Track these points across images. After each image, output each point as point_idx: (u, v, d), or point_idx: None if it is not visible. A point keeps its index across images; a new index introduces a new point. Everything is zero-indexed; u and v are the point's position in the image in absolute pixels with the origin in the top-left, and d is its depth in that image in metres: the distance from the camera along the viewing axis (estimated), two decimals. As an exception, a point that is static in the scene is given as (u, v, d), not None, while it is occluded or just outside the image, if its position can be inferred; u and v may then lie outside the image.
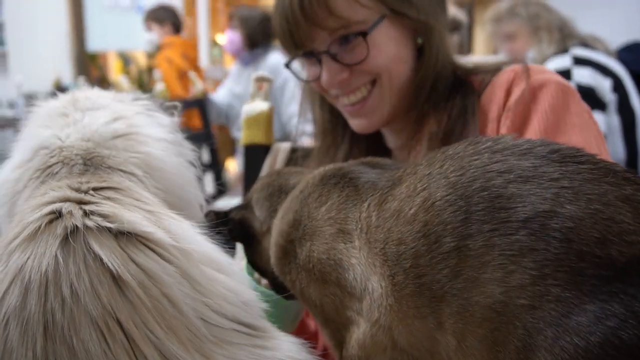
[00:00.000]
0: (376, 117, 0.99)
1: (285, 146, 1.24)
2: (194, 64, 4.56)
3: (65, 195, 0.63)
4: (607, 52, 2.44)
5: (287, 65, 1.01)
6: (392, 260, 0.57)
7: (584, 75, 2.29)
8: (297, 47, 0.96)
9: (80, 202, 0.62)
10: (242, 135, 1.26)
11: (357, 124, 1.01)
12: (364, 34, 0.92)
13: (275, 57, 3.51)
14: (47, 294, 0.55)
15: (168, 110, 0.87)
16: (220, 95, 3.79)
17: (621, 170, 0.50)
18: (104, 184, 0.66)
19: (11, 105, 5.50)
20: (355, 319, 0.63)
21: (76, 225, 0.58)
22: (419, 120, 0.98)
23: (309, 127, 3.59)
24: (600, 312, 0.43)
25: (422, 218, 0.55)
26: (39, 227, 0.59)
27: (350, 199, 0.66)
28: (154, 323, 0.56)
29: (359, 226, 0.63)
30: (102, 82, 6.22)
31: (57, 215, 0.60)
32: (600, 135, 0.90)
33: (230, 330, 0.60)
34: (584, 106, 0.90)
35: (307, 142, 3.38)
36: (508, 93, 0.91)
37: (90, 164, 0.70)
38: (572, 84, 2.26)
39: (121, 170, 0.71)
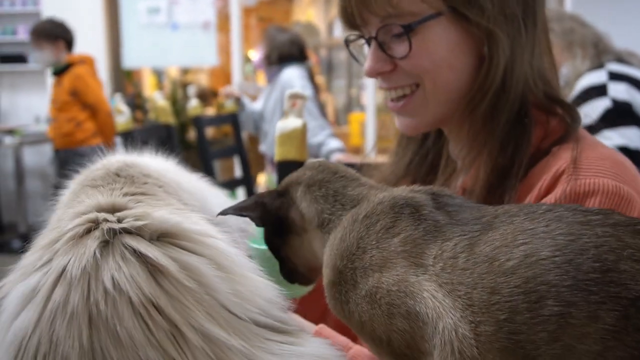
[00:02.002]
0: (418, 120, 0.92)
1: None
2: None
3: (98, 202, 0.67)
4: None
5: (346, 44, 0.96)
6: (478, 307, 0.55)
7: (620, 91, 2.27)
8: (351, 26, 0.90)
9: (114, 206, 0.66)
10: (275, 152, 1.27)
11: (399, 123, 0.94)
12: (407, 28, 0.83)
13: (288, 73, 3.58)
14: (89, 287, 0.58)
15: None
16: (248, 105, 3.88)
17: None
18: (134, 190, 0.71)
19: (49, 121, 5.61)
20: (431, 351, 0.60)
21: (112, 228, 0.63)
22: (473, 143, 0.89)
23: (334, 143, 3.60)
24: None
25: (522, 273, 0.53)
26: (78, 233, 0.63)
27: (429, 234, 0.63)
28: (193, 309, 0.58)
29: (439, 264, 0.60)
30: (137, 98, 6.35)
31: (94, 222, 0.64)
32: None
33: (264, 325, 0.63)
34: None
35: (337, 158, 3.38)
36: (549, 188, 0.81)
37: (122, 174, 0.75)
38: (609, 103, 2.24)
39: (149, 180, 0.76)
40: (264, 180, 3.83)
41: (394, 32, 0.85)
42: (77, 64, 4.45)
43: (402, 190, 0.72)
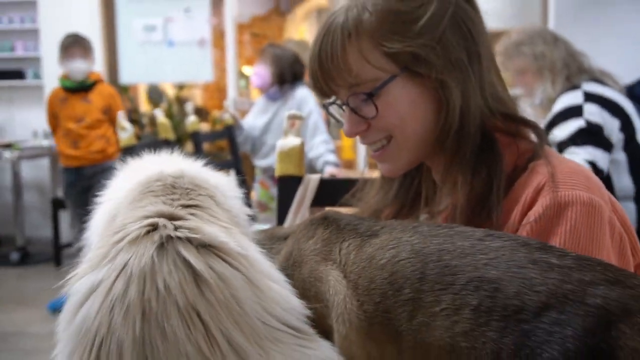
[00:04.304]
0: (395, 165, 1.01)
1: (315, 177, 1.37)
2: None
3: (160, 210, 0.75)
4: (618, 87, 2.48)
5: (325, 107, 1.06)
6: (362, 290, 0.73)
7: (593, 112, 2.32)
8: (323, 95, 1.01)
9: (172, 216, 0.74)
10: (276, 168, 1.39)
11: (381, 167, 1.04)
12: (369, 95, 0.92)
13: (302, 92, 3.69)
14: (145, 285, 0.67)
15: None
16: (245, 125, 3.96)
17: (534, 243, 0.68)
18: (190, 202, 0.79)
19: (46, 135, 5.68)
20: (333, 328, 0.78)
21: (169, 235, 0.71)
22: (448, 172, 0.97)
23: (331, 157, 3.71)
24: (517, 347, 0.58)
25: (390, 268, 0.71)
26: (140, 234, 0.71)
27: (332, 234, 0.84)
28: (224, 318, 0.67)
29: (339, 258, 0.80)
30: (134, 113, 6.43)
31: (154, 227, 0.72)
32: (621, 250, 0.90)
33: (282, 331, 0.71)
34: (606, 227, 0.88)
35: (330, 171, 3.49)
36: (532, 201, 0.89)
37: (177, 186, 0.82)
38: (583, 123, 2.33)
39: (201, 191, 0.83)
40: (255, 194, 3.92)
41: (361, 98, 0.94)
42: (101, 82, 4.54)
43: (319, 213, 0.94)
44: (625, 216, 0.94)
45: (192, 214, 0.76)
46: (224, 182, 0.92)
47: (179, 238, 0.71)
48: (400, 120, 0.95)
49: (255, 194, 3.91)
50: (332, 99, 1.01)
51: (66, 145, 4.47)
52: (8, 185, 5.97)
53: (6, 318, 4.21)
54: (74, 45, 4.40)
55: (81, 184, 4.37)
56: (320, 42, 0.95)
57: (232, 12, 5.46)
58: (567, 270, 0.61)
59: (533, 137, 0.98)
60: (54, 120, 4.54)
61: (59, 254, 5.37)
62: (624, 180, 2.38)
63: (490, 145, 0.94)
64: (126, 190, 0.84)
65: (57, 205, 5.31)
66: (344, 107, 0.99)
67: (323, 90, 0.98)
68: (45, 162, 6.01)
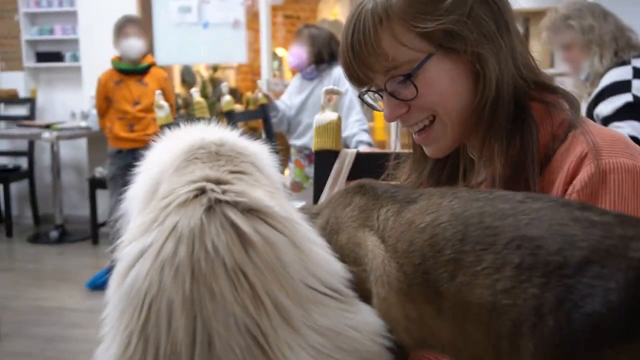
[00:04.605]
0: (442, 145, 1.01)
1: (352, 152, 1.38)
2: None
3: (208, 174, 0.76)
4: None
5: (361, 98, 1.07)
6: (401, 253, 0.74)
7: None
8: (360, 85, 1.01)
9: (219, 181, 0.75)
10: (313, 142, 1.41)
11: (427, 150, 1.05)
12: (408, 76, 0.93)
13: (339, 70, 3.69)
14: (194, 246, 0.68)
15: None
16: (280, 105, 3.98)
17: (574, 203, 0.69)
18: (235, 168, 0.80)
19: (85, 116, 5.77)
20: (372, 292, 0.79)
21: (217, 198, 0.72)
22: (485, 144, 0.98)
23: (364, 136, 3.71)
24: (559, 302, 0.58)
25: (430, 231, 0.72)
26: (188, 198, 0.72)
27: (369, 201, 0.85)
28: (270, 280, 0.69)
29: (377, 224, 0.80)
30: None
31: (202, 190, 0.73)
32: None
33: (324, 294, 0.73)
34: None
35: (364, 149, 3.50)
36: (575, 170, 0.90)
37: (221, 153, 0.83)
38: (630, 98, 2.30)
39: (243, 158, 0.84)
40: (288, 173, 3.95)
41: (399, 81, 0.94)
42: (155, 65, 4.56)
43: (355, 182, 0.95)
44: None
45: (238, 179, 0.77)
46: (262, 150, 0.92)
47: (226, 202, 0.72)
48: (441, 97, 0.95)
49: (290, 174, 3.93)
50: (367, 87, 1.01)
51: (121, 127, 4.48)
52: (47, 166, 6.10)
53: (47, 294, 4.32)
54: (128, 24, 4.43)
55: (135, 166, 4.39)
56: (352, 30, 0.95)
57: (265, -7, 5.46)
58: (608, 226, 0.62)
59: (566, 106, 0.98)
60: (106, 102, 4.53)
61: (96, 233, 5.47)
62: None
63: (523, 114, 0.95)
64: (168, 159, 0.85)
65: (94, 184, 5.40)
66: (381, 93, 0.99)
67: (360, 78, 0.99)
68: (82, 143, 6.11)
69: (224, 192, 0.73)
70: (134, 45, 4.39)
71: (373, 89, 1.01)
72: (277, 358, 0.66)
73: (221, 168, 0.79)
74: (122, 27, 4.41)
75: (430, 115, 0.98)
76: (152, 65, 4.57)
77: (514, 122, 0.95)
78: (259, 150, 0.91)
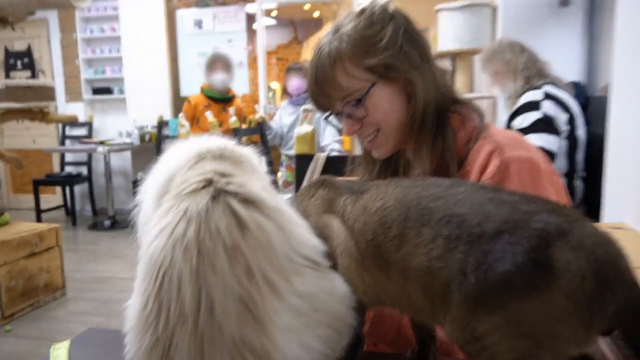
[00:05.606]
0: (386, 149, 1.00)
1: (323, 155, 1.34)
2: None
3: (215, 168, 0.71)
4: (568, 90, 2.47)
5: (326, 119, 1.04)
6: (357, 232, 0.70)
7: (549, 107, 2.34)
8: (324, 110, 0.99)
9: (224, 173, 0.70)
10: (294, 148, 1.37)
11: (375, 154, 1.03)
12: (358, 101, 0.92)
13: None
14: (200, 227, 0.63)
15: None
16: (275, 124, 3.94)
17: (489, 187, 0.64)
18: (237, 167, 0.74)
19: (129, 134, 5.71)
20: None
21: (221, 188, 0.67)
22: (417, 147, 0.97)
23: (336, 146, 3.69)
24: (478, 263, 0.55)
25: (380, 214, 0.68)
26: (198, 187, 0.67)
27: (330, 193, 0.80)
28: (261, 257, 0.64)
29: (338, 210, 0.76)
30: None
31: (209, 182, 0.68)
32: (560, 192, 0.90)
33: (304, 265, 0.68)
34: (543, 175, 0.88)
35: (334, 154, 3.47)
36: (486, 163, 0.89)
37: (225, 156, 0.78)
38: (540, 115, 2.31)
39: (244, 161, 0.79)
40: (281, 175, 3.93)
41: (352, 104, 0.93)
42: (235, 97, 4.27)
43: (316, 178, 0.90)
44: (558, 177, 0.94)
45: (238, 174, 0.72)
46: (254, 155, 0.88)
47: (229, 192, 0.67)
48: (384, 114, 0.94)
49: (281, 175, 3.90)
50: (329, 112, 1.00)
51: None
52: (101, 172, 6.04)
53: (102, 267, 4.26)
54: (216, 61, 4.15)
55: None
56: (315, 70, 0.94)
57: (262, 42, 5.41)
58: (515, 204, 0.59)
59: (476, 116, 0.97)
60: (192, 120, 4.20)
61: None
62: (561, 163, 2.38)
63: (444, 123, 0.95)
64: (182, 159, 0.79)
65: (137, 185, 5.28)
66: (340, 115, 0.97)
67: (323, 105, 0.97)
68: (128, 154, 6.07)
69: (227, 183, 0.69)
70: (220, 78, 4.11)
71: (335, 112, 0.99)
72: (264, 320, 0.62)
73: (227, 164, 0.74)
74: (211, 63, 4.13)
75: (376, 129, 0.96)
76: (234, 96, 4.31)
77: (438, 130, 0.94)
78: (253, 155, 0.88)
